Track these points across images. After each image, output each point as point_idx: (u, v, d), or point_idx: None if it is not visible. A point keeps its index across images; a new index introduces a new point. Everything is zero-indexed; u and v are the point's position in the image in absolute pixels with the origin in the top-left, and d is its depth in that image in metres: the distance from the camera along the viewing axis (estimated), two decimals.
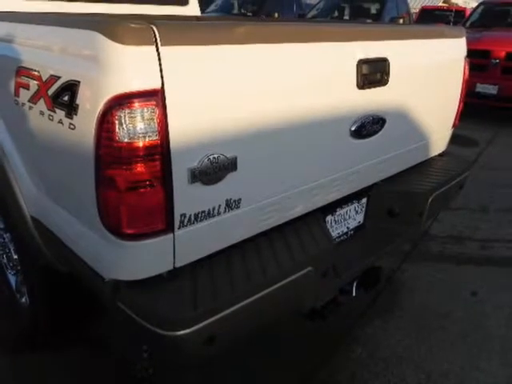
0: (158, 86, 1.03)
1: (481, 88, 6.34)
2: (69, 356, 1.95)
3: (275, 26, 1.37)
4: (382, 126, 1.67)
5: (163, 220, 1.13)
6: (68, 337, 2.03)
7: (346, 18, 10.52)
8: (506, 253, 3.00)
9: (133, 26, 1.01)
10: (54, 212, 1.39)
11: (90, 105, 1.07)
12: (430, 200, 1.88)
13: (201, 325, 1.12)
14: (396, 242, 1.92)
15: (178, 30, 1.10)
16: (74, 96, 1.12)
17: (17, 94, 1.38)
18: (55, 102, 1.20)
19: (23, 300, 1.98)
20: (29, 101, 1.33)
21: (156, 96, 1.03)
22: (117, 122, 1.03)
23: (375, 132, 1.65)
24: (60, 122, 1.19)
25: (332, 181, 1.58)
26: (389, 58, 1.59)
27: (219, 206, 1.24)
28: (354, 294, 1.77)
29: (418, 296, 2.48)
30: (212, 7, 11.24)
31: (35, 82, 1.28)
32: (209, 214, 1.22)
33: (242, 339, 1.30)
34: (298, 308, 1.58)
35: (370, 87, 1.53)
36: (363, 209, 1.91)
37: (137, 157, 1.05)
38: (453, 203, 2.61)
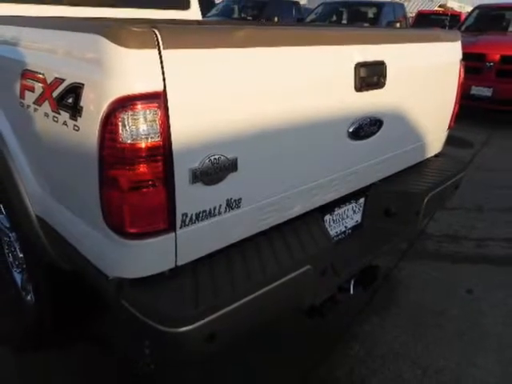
0: (160, 88, 1.03)
1: (476, 90, 6.35)
2: (72, 354, 1.95)
3: (275, 29, 1.37)
4: (379, 128, 1.67)
5: (165, 219, 1.13)
6: (71, 335, 2.03)
7: (344, 22, 10.53)
8: (501, 251, 3.00)
9: (135, 29, 1.01)
10: (59, 211, 1.40)
11: (94, 107, 1.08)
12: (426, 200, 1.88)
13: (202, 322, 1.12)
14: (393, 240, 1.93)
15: (179, 34, 1.10)
16: (78, 98, 1.13)
17: (22, 96, 1.39)
18: (60, 104, 1.20)
19: (28, 298, 1.98)
20: (34, 103, 1.33)
21: (158, 98, 1.03)
22: (120, 123, 1.03)
23: (372, 133, 1.65)
24: (64, 123, 1.19)
25: (330, 181, 1.59)
26: (386, 62, 1.59)
27: (220, 205, 1.24)
28: (351, 292, 1.77)
29: (415, 294, 2.48)
30: (213, 11, 11.27)
31: (40, 84, 1.28)
32: (210, 214, 1.22)
33: (243, 336, 1.30)
34: (298, 305, 1.58)
35: (367, 90, 1.54)
36: (361, 208, 1.91)
37: (139, 157, 1.05)
38: (449, 203, 2.61)
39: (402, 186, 1.93)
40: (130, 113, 1.02)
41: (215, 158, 1.16)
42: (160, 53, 1.03)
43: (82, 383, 1.84)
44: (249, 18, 10.57)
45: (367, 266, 1.82)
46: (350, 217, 1.86)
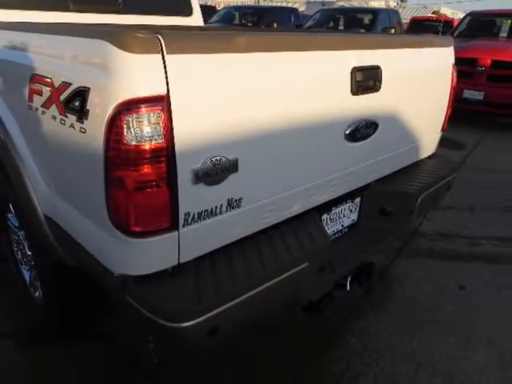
0: (163, 92, 1.04)
1: (468, 94, 6.35)
2: (77, 351, 1.95)
3: (274, 35, 1.37)
4: (374, 130, 1.67)
5: (169, 218, 1.13)
6: (77, 331, 2.03)
7: (341, 28, 10.53)
8: (492, 249, 3.00)
9: (140, 35, 1.02)
10: (66, 211, 1.40)
11: (100, 110, 1.08)
12: (419, 199, 1.88)
13: (204, 317, 1.12)
14: (387, 239, 1.93)
15: (182, 39, 1.10)
16: (84, 101, 1.13)
17: (30, 99, 1.39)
18: (67, 107, 1.20)
19: (37, 294, 1.98)
20: (42, 106, 1.33)
21: (162, 101, 1.04)
22: (125, 126, 1.03)
23: (368, 135, 1.66)
24: (71, 126, 1.19)
25: (328, 181, 1.59)
26: (381, 66, 1.59)
27: (221, 205, 1.24)
28: (348, 289, 1.78)
29: (409, 290, 2.48)
30: (214, 18, 11.27)
31: (48, 88, 1.29)
32: (211, 213, 1.22)
33: (243, 330, 1.30)
34: (296, 301, 1.58)
35: (363, 93, 1.54)
36: (357, 208, 1.91)
37: (144, 159, 1.05)
38: (442, 203, 2.61)
39: (397, 186, 1.93)
40: (135, 115, 1.03)
41: (217, 159, 1.16)
42: (163, 58, 1.03)
43: (86, 380, 1.84)
44: (249, 24, 10.57)
45: (363, 263, 1.82)
46: (346, 216, 1.86)
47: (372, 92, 1.58)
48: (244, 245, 1.37)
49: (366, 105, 1.59)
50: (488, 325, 2.22)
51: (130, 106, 1.02)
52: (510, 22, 7.16)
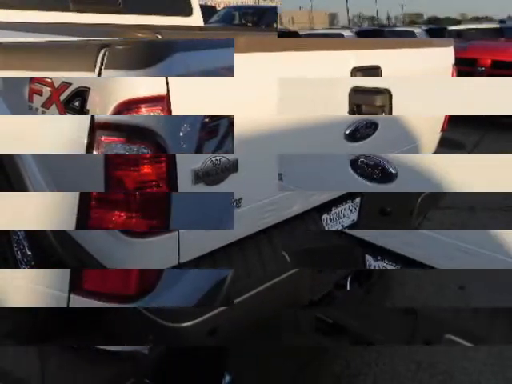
0: (163, 92, 1.03)
1: None
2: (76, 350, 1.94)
3: (274, 35, 1.37)
4: (374, 130, 1.67)
5: None
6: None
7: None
8: None
9: (139, 35, 1.02)
10: None
11: (100, 110, 1.08)
12: (419, 199, 1.88)
13: (203, 317, 1.12)
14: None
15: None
16: (84, 101, 1.13)
17: (30, 99, 1.38)
18: (67, 107, 1.20)
19: None
20: (42, 106, 1.33)
21: (162, 101, 1.04)
22: None
23: (368, 135, 1.65)
24: None
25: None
26: (381, 66, 1.59)
27: None
28: (348, 289, 1.77)
29: (409, 290, 2.48)
30: (214, 18, 11.26)
31: (48, 88, 1.28)
32: None
33: (243, 330, 1.30)
34: (296, 301, 1.58)
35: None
36: (357, 208, 1.90)
37: (144, 159, 1.05)
38: (442, 203, 2.61)
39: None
40: None
41: (217, 159, 1.16)
42: None
43: (85, 380, 1.83)
44: (249, 24, 10.57)
45: None
46: (346, 216, 1.86)
47: None
48: (244, 245, 1.36)
49: None
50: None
51: (130, 106, 1.02)
52: None
